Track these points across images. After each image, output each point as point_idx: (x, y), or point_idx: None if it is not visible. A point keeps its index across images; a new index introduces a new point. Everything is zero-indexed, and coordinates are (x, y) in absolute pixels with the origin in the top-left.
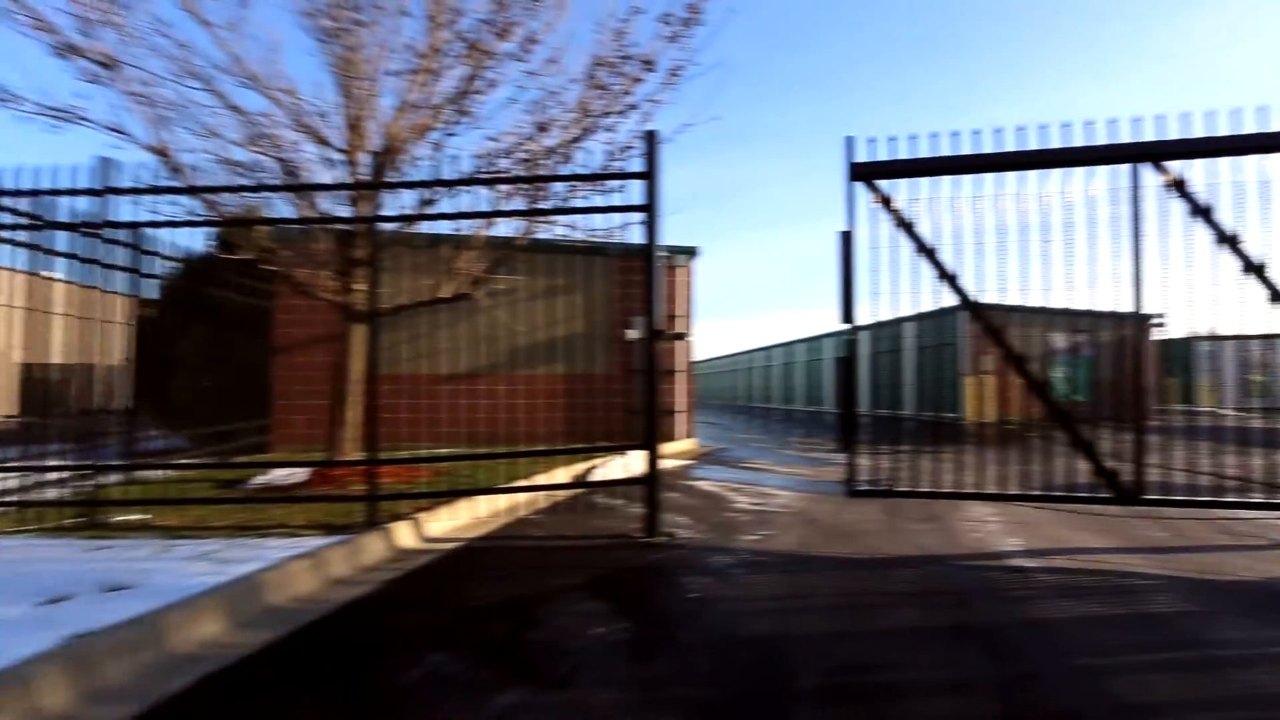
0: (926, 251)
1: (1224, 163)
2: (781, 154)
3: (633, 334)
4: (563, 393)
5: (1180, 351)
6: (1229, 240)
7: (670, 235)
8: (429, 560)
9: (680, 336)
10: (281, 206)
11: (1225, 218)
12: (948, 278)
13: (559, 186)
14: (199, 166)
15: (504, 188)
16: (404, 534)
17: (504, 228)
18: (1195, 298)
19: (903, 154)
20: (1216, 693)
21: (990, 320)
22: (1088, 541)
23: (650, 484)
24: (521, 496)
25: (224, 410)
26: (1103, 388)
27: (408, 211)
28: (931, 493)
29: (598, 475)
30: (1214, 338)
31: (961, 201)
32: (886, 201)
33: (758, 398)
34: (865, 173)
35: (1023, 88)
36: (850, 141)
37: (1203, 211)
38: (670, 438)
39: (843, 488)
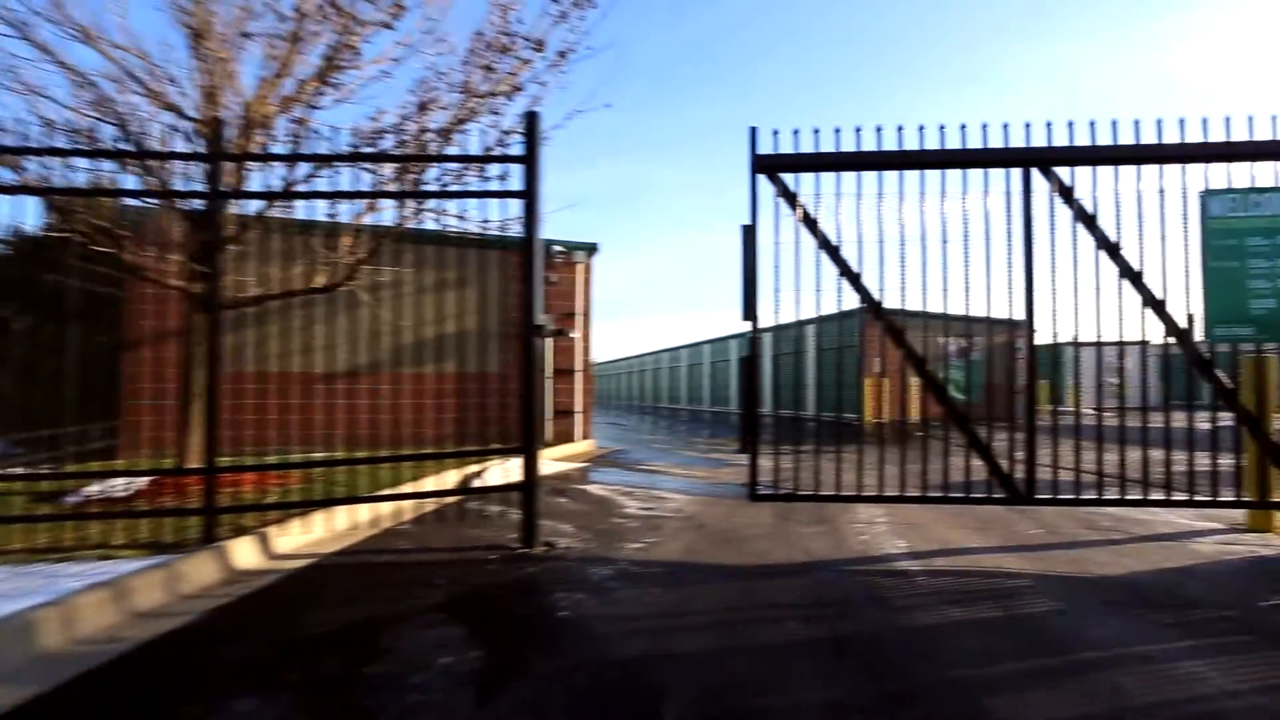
0: (830, 249)
1: (1105, 172)
2: (694, 157)
3: (567, 335)
4: (455, 393)
5: (1051, 356)
6: (1109, 247)
7: (578, 232)
8: (268, 583)
9: (561, 333)
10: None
11: (1108, 226)
12: (851, 276)
13: (438, 172)
14: (25, 130)
15: (385, 172)
16: (244, 552)
17: (382, 214)
18: (1068, 304)
19: (807, 147)
20: (1086, 702)
21: (892, 321)
22: (969, 541)
23: (527, 491)
24: (386, 507)
25: (63, 411)
26: (988, 390)
27: (269, 189)
28: (833, 496)
29: (487, 480)
30: (1079, 344)
31: (865, 199)
32: (790, 196)
33: (666, 398)
34: (769, 165)
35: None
36: (754, 133)
37: (1086, 218)
38: (568, 439)
39: (740, 490)
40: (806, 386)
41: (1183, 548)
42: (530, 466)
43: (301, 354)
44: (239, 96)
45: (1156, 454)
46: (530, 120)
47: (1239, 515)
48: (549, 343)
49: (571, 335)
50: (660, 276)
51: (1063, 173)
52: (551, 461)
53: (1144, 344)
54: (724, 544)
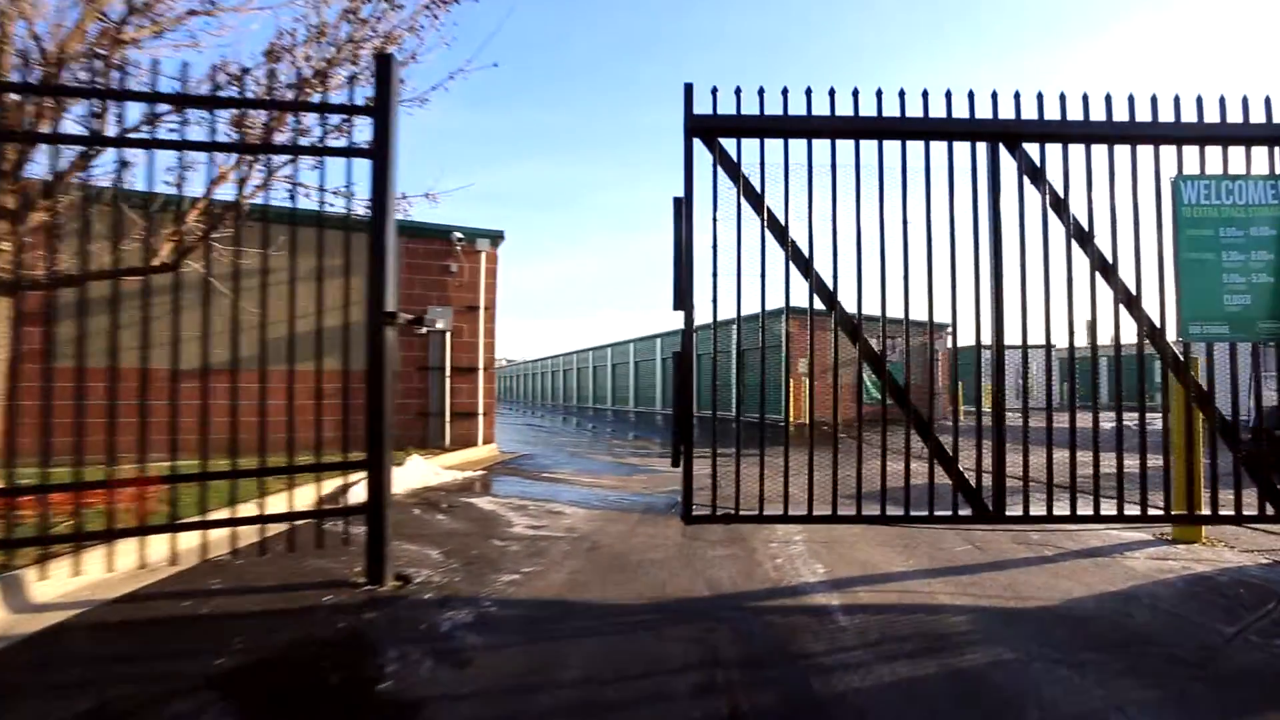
0: (777, 229)
1: (1077, 154)
2: (630, 159)
3: (424, 328)
4: (336, 392)
5: (966, 358)
6: (1081, 236)
7: (511, 227)
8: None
9: (418, 322)
10: None
11: (1079, 213)
12: (800, 262)
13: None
14: None
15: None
16: None
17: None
18: (1036, 298)
19: (751, 110)
20: None
21: (848, 316)
22: (893, 563)
23: (374, 515)
24: (217, 532)
25: None
26: (909, 391)
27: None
28: (781, 517)
29: (349, 498)
30: (993, 347)
31: (817, 174)
32: (731, 165)
33: (592, 398)
34: (706, 128)
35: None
36: (689, 90)
37: (1057, 203)
38: (468, 443)
39: (646, 502)
40: (729, 386)
41: (1116, 565)
42: (377, 485)
43: (158, 348)
44: (32, 25)
45: (1085, 458)
46: (383, 65)
47: (1166, 525)
48: (447, 339)
49: (439, 327)
50: (609, 276)
51: (1033, 151)
52: (443, 470)
53: (1117, 346)
54: (615, 572)
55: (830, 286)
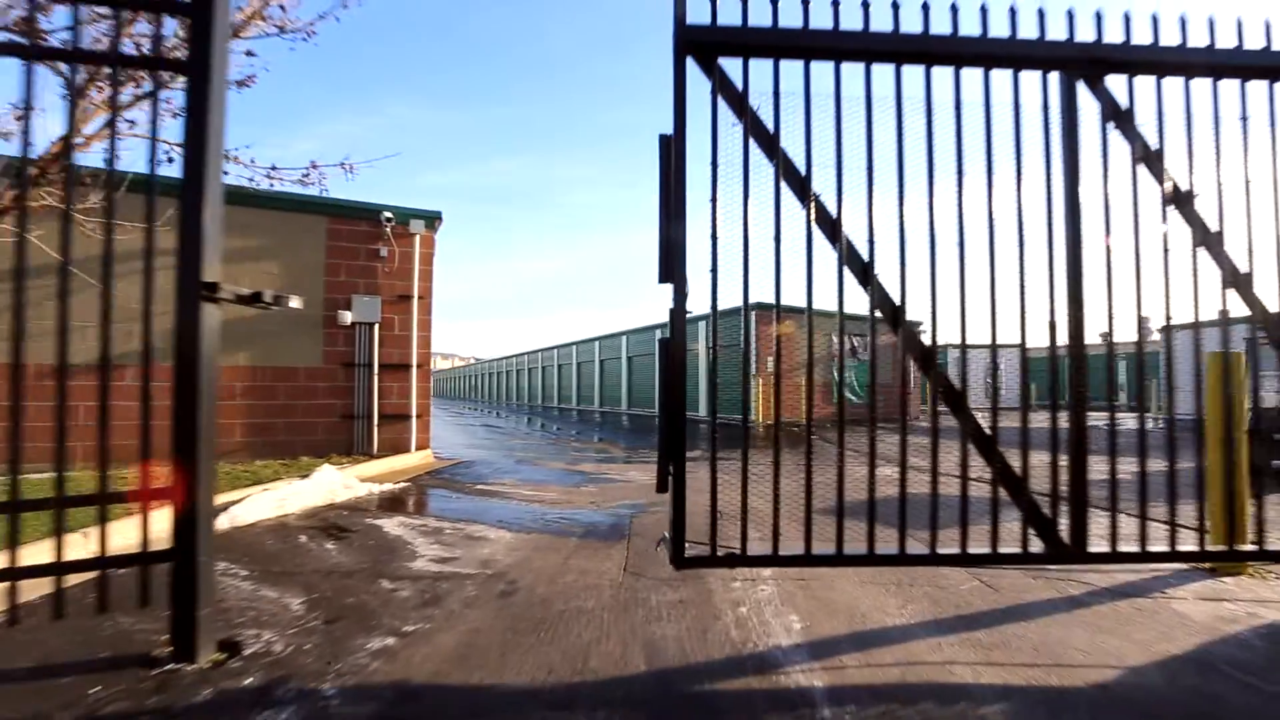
0: (795, 180)
1: (1173, 95)
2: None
3: (350, 316)
4: (249, 392)
5: (940, 357)
6: (1180, 200)
7: (483, 223)
8: None
9: (277, 303)
10: None
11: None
12: (826, 223)
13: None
14: None
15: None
16: None
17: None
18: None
19: (761, 21)
20: None
21: (887, 295)
22: (889, 612)
23: (183, 564)
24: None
25: None
26: (880, 390)
27: None
28: (803, 558)
29: (250, 510)
30: (962, 346)
31: (849, 106)
32: (735, 94)
33: (558, 398)
34: (703, 44)
35: None
36: None
37: (1149, 156)
38: (400, 449)
39: (590, 522)
40: (727, 384)
41: (1164, 611)
42: (189, 522)
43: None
44: None
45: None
46: None
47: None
48: (375, 332)
49: (292, 304)
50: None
51: (1118, 90)
52: (358, 482)
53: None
54: (527, 632)
55: (864, 256)
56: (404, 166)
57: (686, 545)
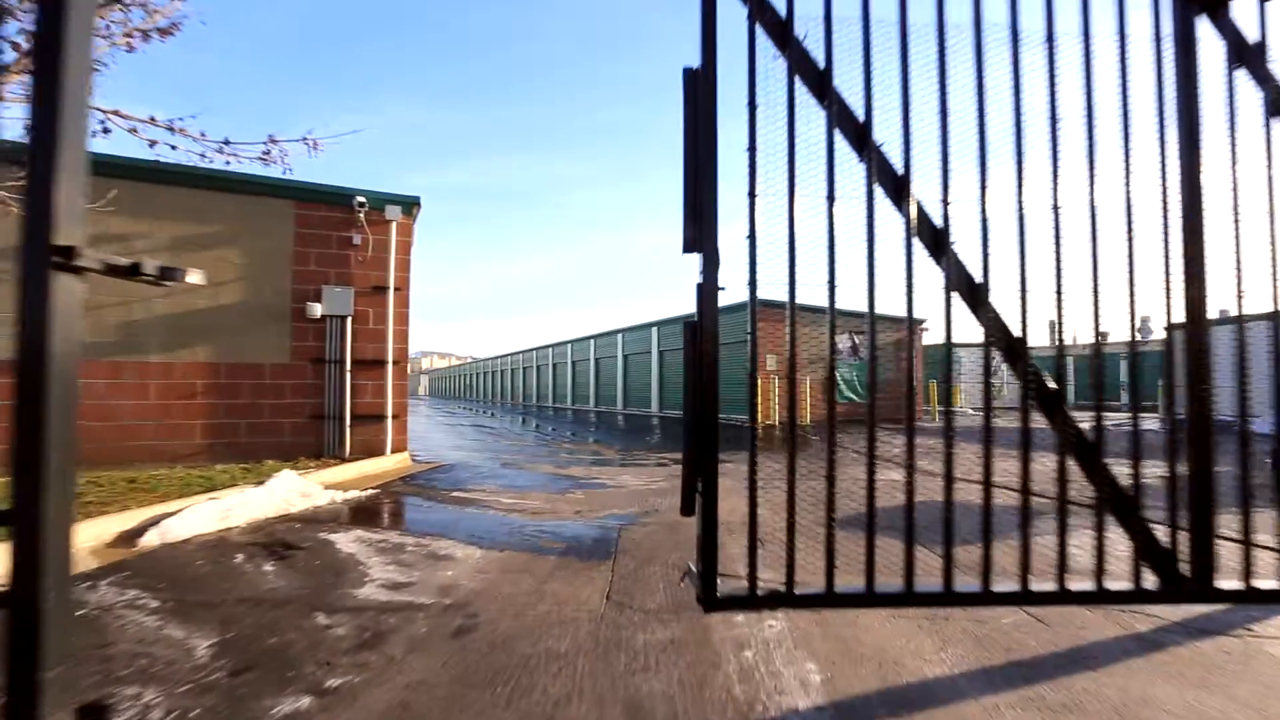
0: (848, 124)
1: None
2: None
3: (321, 308)
4: (210, 391)
5: (937, 355)
6: None
7: (483, 222)
8: None
9: (167, 276)
10: None
11: None
12: (889, 178)
13: None
14: None
15: None
16: None
17: None
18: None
19: None
20: None
21: (964, 270)
22: (925, 659)
23: (21, 610)
24: None
25: None
26: (884, 390)
27: None
28: (864, 597)
29: (190, 521)
30: (963, 345)
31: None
32: (774, 19)
33: (553, 397)
34: None
35: None
36: None
37: None
38: (373, 451)
39: (572, 535)
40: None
41: (1258, 655)
42: (31, 557)
43: None
44: None
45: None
46: None
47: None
48: (348, 326)
49: (191, 279)
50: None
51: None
52: (320, 490)
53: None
54: (481, 686)
55: (938, 223)
56: (404, 167)
57: (719, 580)
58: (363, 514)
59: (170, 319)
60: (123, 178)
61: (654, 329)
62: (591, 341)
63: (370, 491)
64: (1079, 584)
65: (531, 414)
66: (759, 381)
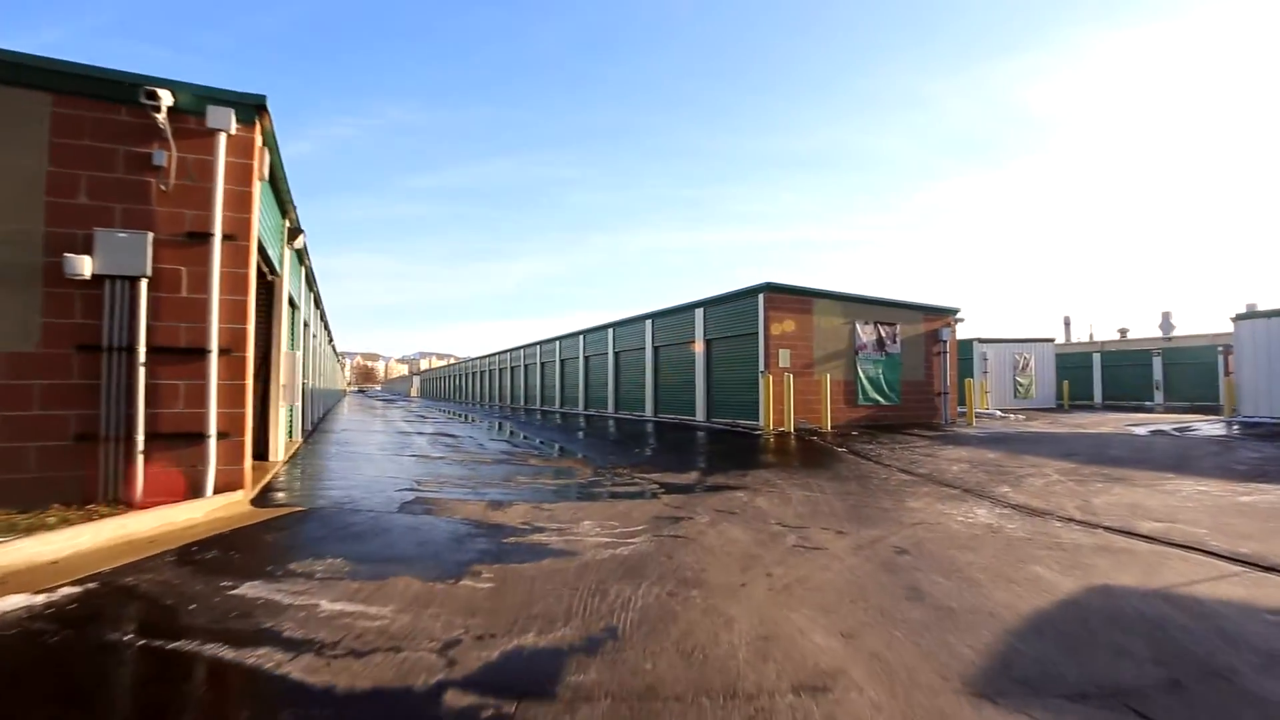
0: None
1: None
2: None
3: (93, 264)
4: None
5: (966, 352)
6: None
7: (482, 224)
8: None
9: None
10: None
11: None
12: None
13: None
14: None
15: None
16: None
17: None
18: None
19: None
20: None
21: None
22: None
23: None
24: None
25: None
26: (910, 389)
27: None
28: None
29: None
30: (990, 340)
31: None
32: None
33: (540, 398)
34: None
35: None
36: None
37: None
38: (190, 491)
39: None
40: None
41: None
42: None
43: None
44: None
45: None
46: None
47: None
48: (142, 293)
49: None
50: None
51: None
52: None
53: None
54: None
55: None
56: (402, 167)
57: None
58: (76, 633)
59: None
60: None
61: (648, 322)
62: (581, 338)
63: (70, 589)
64: None
65: (509, 420)
66: (770, 382)
